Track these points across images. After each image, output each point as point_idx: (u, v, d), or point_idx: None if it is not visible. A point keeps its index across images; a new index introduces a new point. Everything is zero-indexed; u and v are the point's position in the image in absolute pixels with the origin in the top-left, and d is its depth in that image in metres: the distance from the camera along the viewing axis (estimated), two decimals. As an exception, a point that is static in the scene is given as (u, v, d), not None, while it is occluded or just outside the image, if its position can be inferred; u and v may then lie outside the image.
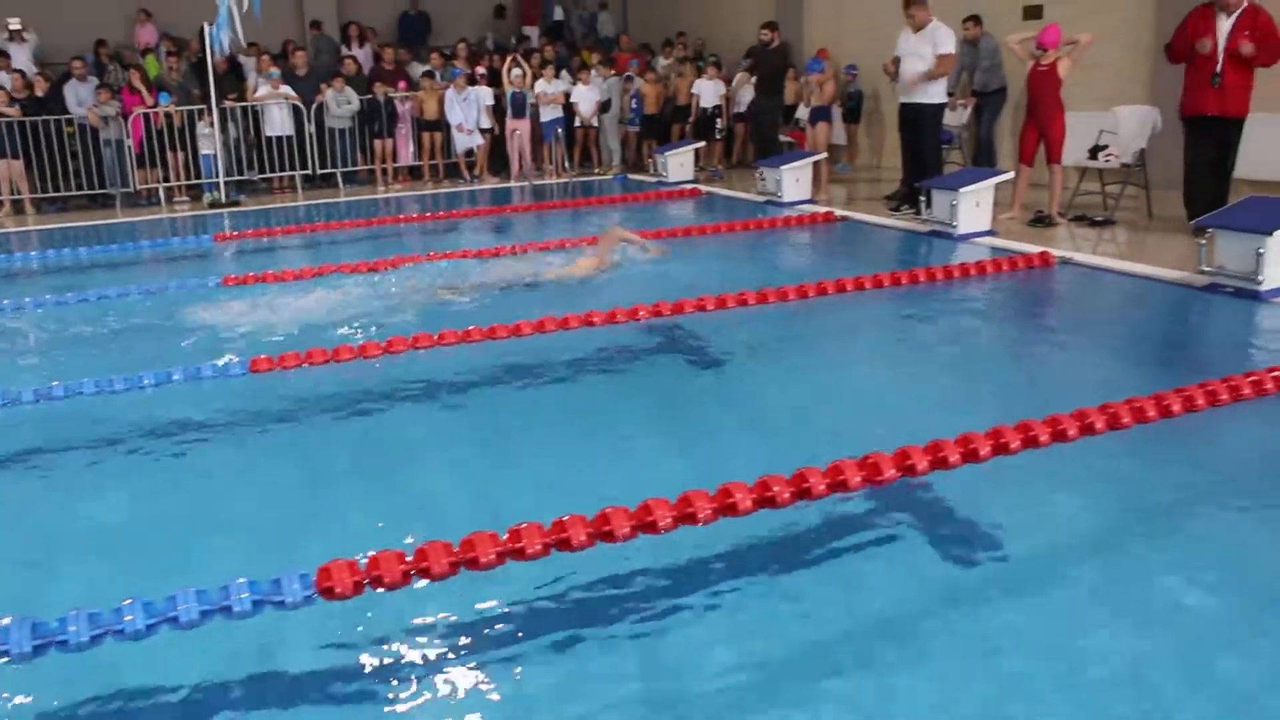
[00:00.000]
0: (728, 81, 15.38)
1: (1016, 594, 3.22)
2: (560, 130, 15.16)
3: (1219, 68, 8.22)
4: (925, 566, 3.42)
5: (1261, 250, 6.46)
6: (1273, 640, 2.96)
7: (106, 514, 4.13)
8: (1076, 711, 2.66)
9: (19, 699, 2.86)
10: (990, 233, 8.98)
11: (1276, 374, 4.68)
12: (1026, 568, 3.39)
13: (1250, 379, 4.59)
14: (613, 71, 16.04)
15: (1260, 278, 6.51)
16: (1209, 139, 8.45)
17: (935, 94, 10.28)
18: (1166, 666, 2.85)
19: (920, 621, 3.11)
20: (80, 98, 13.56)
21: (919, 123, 10.37)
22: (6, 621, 2.82)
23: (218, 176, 13.51)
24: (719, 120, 15.17)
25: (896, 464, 3.61)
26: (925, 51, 10.04)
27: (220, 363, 5.60)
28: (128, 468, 4.55)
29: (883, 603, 3.22)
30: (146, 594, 2.92)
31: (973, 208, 8.93)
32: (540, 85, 14.86)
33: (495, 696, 2.84)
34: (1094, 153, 9.79)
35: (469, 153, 14.94)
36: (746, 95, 14.70)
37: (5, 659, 2.77)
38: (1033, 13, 11.82)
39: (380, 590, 3.03)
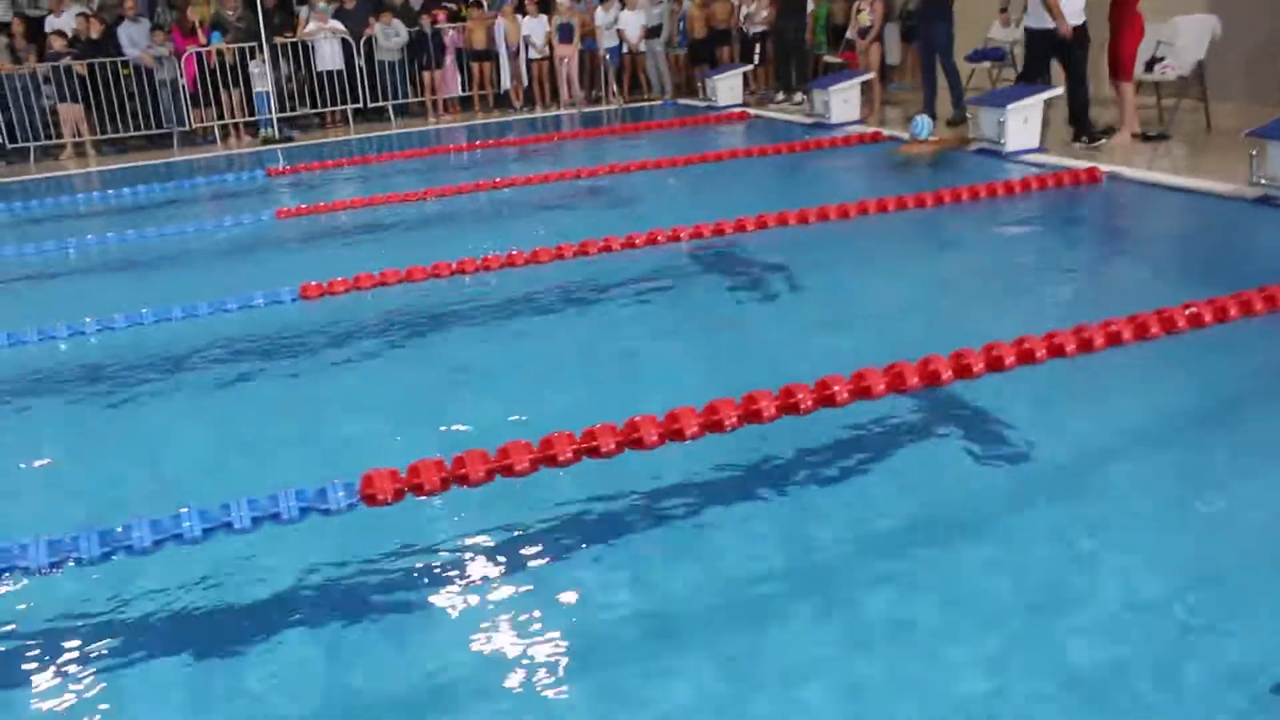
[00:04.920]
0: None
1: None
2: (608, 55, 15.13)
3: None
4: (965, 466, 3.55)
5: (1314, 160, 6.35)
6: None
7: (163, 432, 4.36)
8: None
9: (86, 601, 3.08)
10: (1039, 149, 8.86)
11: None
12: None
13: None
14: (659, -3, 15.86)
15: (1313, 188, 6.40)
16: None
17: (1077, 12, 8.84)
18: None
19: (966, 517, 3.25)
20: (133, 39, 13.75)
21: (1068, 49, 8.88)
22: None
23: (271, 113, 13.69)
24: (758, 44, 14.95)
25: (920, 373, 3.68)
26: None
27: (271, 291, 5.78)
28: (186, 391, 4.78)
29: (918, 503, 3.34)
30: (203, 503, 3.12)
31: (1020, 124, 8.81)
32: (600, 16, 14.81)
33: (535, 594, 3.01)
34: (1150, 65, 9.56)
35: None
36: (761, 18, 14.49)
37: (75, 564, 2.99)
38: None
39: (420, 497, 3.19)
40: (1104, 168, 7.78)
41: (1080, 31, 8.80)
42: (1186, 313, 4.19)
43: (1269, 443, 3.62)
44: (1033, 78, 9.34)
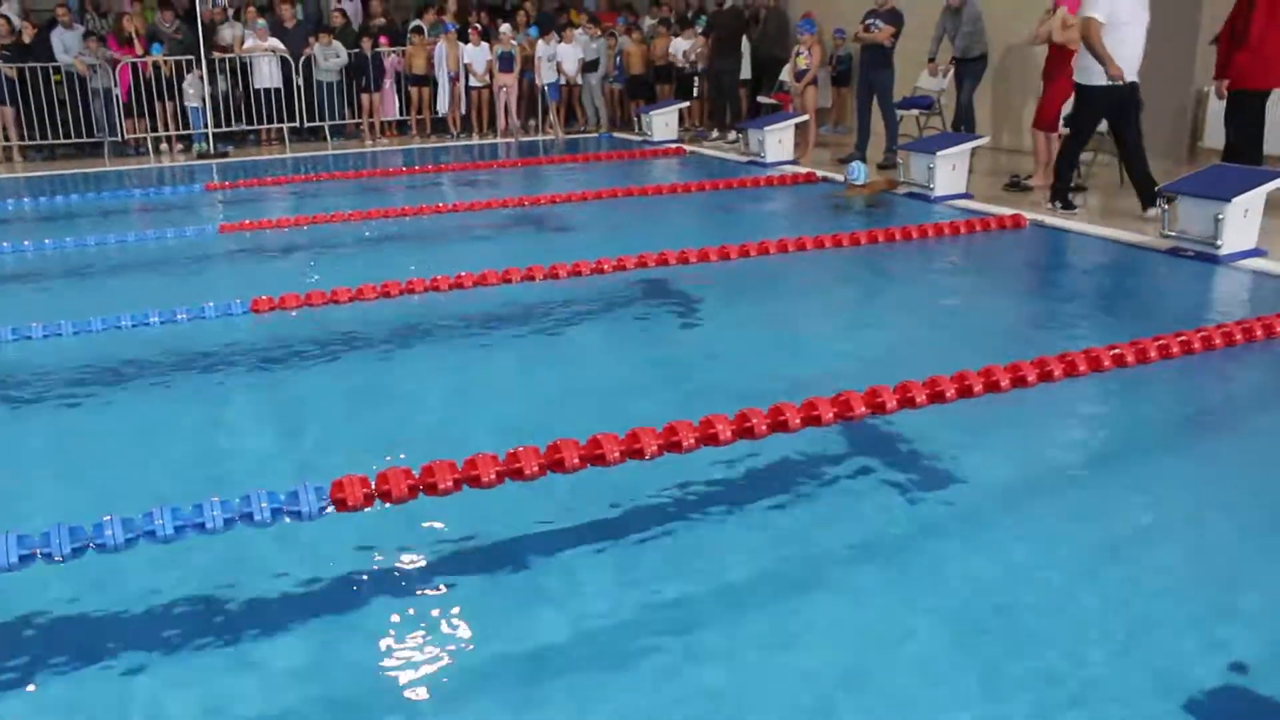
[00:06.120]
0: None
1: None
2: (546, 88, 15.33)
3: None
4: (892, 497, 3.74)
5: (1220, 216, 6.77)
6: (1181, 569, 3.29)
7: (126, 436, 4.39)
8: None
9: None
10: (966, 195, 9.25)
11: (1225, 330, 4.99)
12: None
13: (1200, 334, 4.90)
14: (599, 31, 16.14)
15: (1219, 242, 6.82)
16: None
17: (1130, 68, 8.13)
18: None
19: (886, 547, 3.43)
20: (67, 45, 13.57)
21: (1121, 110, 8.25)
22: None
23: (206, 128, 13.61)
24: (695, 80, 15.30)
25: (867, 401, 3.90)
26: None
27: (222, 304, 5.82)
28: (147, 395, 4.81)
29: (846, 531, 3.53)
30: (171, 503, 3.18)
31: (949, 170, 9.20)
32: (540, 48, 15.02)
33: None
34: (1067, 121, 10.03)
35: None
36: (693, 56, 14.87)
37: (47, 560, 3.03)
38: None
39: (388, 504, 3.30)
40: (1028, 215, 8.17)
41: (1132, 91, 8.16)
42: (1112, 354, 4.48)
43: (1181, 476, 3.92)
44: (1085, 139, 8.68)
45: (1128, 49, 7.97)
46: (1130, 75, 8.02)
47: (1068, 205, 8.52)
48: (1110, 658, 2.78)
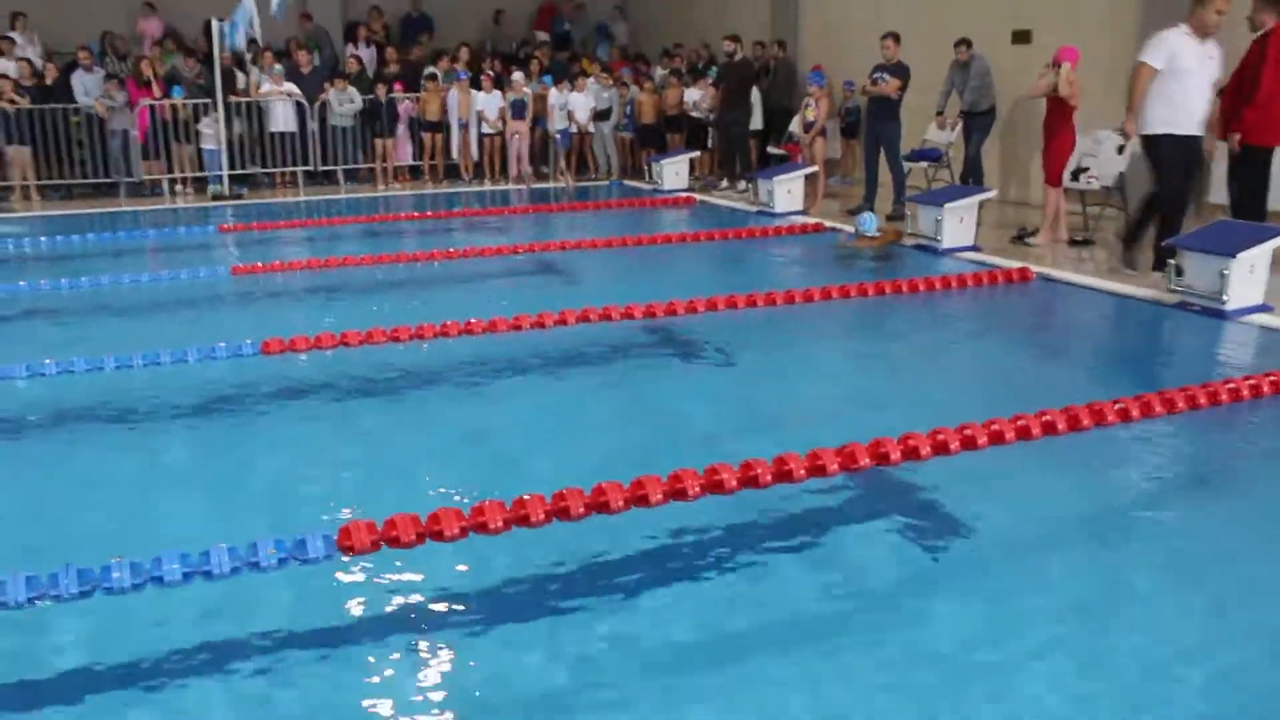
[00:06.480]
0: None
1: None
2: (558, 136, 15.51)
3: None
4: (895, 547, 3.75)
5: (1226, 271, 6.80)
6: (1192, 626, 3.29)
7: (135, 478, 4.42)
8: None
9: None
10: (974, 248, 9.30)
11: (1232, 386, 5.00)
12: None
13: (1207, 389, 4.91)
14: (611, 81, 16.33)
15: (1225, 297, 6.85)
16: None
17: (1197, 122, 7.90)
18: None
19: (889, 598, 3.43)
20: (87, 87, 13.79)
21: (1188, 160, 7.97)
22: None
23: (222, 170, 13.77)
24: (709, 130, 15.46)
25: (871, 453, 3.92)
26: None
27: (233, 344, 5.85)
28: (153, 433, 4.84)
29: (851, 581, 3.53)
30: (180, 548, 3.20)
31: (956, 223, 9.26)
32: (553, 96, 15.21)
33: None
34: (1075, 174, 10.13)
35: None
36: (705, 106, 15.06)
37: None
38: (1021, 37, 12.17)
39: (396, 549, 3.32)
40: (1034, 268, 8.21)
41: (1195, 144, 7.90)
42: (1117, 408, 4.49)
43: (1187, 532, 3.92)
44: (1173, 192, 7.98)
45: (1192, 100, 7.76)
46: (1195, 128, 7.82)
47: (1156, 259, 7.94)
48: None
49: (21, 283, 7.81)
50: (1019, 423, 4.23)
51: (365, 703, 2.87)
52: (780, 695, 2.88)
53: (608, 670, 3.03)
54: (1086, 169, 10.13)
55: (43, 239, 10.27)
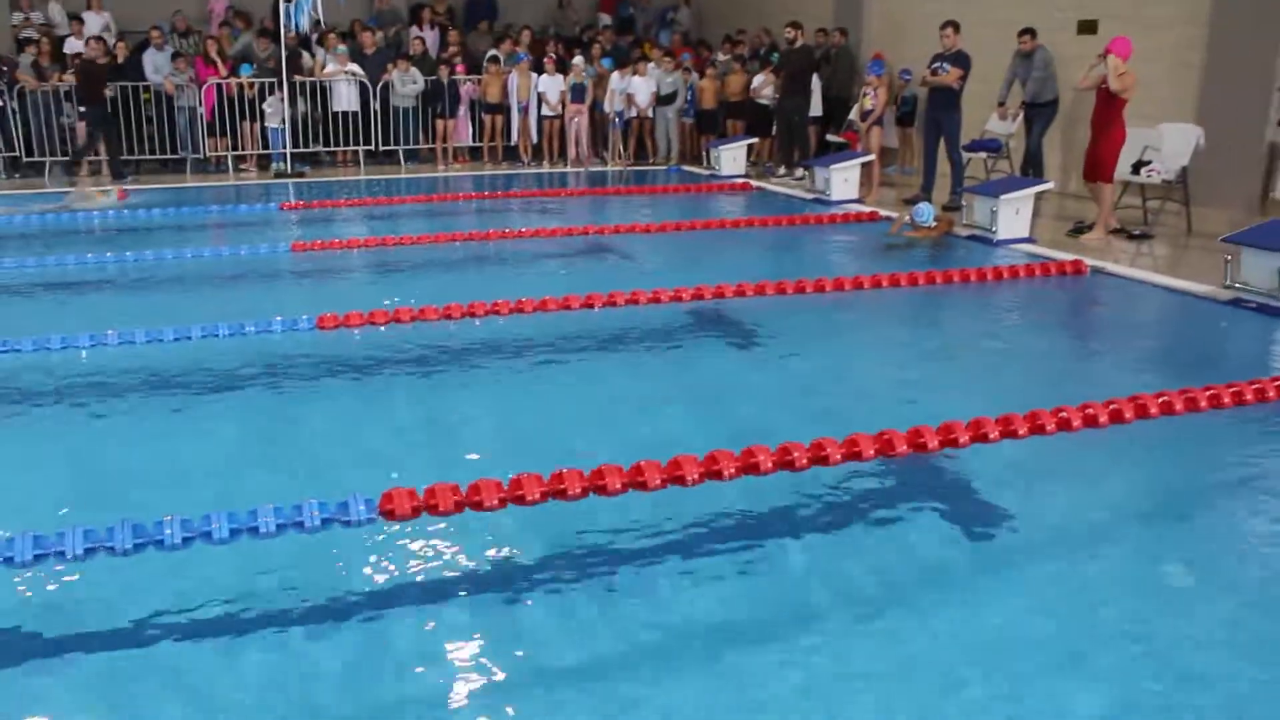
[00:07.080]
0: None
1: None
2: (616, 119, 15.58)
3: None
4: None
5: (1283, 268, 6.70)
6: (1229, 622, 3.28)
7: (193, 445, 4.58)
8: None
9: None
10: (1029, 240, 9.22)
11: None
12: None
13: (1254, 386, 4.85)
14: (674, 65, 16.32)
15: (1281, 295, 6.75)
16: None
17: None
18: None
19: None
20: (157, 65, 14.11)
21: None
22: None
23: (285, 148, 14.03)
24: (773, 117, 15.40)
25: (909, 440, 3.95)
26: None
27: (289, 319, 6.02)
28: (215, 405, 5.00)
29: (889, 565, 3.58)
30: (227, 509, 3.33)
31: (1012, 215, 9.18)
32: (614, 80, 15.28)
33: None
34: (1137, 168, 9.98)
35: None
36: (769, 92, 14.98)
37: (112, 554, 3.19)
38: (1087, 27, 11.99)
39: (435, 516, 3.42)
40: (1089, 261, 8.13)
41: None
42: (1160, 401, 4.47)
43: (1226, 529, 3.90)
44: None
45: None
46: None
47: None
48: None
49: (89, 255, 8.04)
50: (1061, 414, 4.24)
51: (404, 661, 2.98)
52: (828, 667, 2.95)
53: (646, 641, 3.11)
54: (1149, 162, 9.96)
55: (110, 212, 10.56)
